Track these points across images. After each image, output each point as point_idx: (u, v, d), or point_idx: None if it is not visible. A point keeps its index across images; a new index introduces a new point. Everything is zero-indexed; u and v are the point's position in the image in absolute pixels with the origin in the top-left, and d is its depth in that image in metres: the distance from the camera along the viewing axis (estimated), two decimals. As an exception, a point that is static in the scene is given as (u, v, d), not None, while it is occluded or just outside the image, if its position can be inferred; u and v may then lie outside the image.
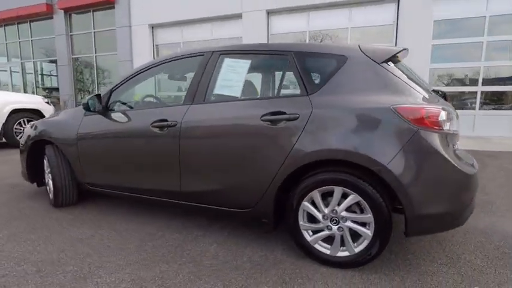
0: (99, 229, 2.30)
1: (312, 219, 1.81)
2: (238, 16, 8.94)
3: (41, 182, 3.02)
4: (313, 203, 1.77)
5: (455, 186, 1.60)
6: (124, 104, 2.52)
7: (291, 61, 1.90)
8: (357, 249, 1.70)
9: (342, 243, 1.74)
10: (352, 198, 1.66)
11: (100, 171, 2.47)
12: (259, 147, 1.83)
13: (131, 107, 2.49)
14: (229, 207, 2.01)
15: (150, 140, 2.17)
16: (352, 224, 1.70)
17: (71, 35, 11.58)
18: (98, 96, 2.41)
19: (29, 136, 2.83)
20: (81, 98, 11.84)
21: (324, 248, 1.79)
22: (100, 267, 1.78)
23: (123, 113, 2.37)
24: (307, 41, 8.48)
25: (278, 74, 2.13)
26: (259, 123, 1.82)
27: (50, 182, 2.69)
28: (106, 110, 2.42)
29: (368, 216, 1.65)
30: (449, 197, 1.59)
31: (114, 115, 2.39)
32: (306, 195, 1.76)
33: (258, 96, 2.43)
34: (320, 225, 1.77)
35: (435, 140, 1.57)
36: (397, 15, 7.62)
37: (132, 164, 2.29)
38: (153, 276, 1.69)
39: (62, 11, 11.27)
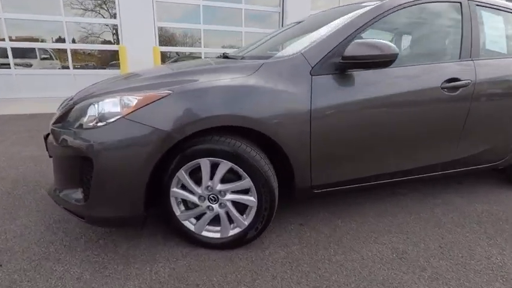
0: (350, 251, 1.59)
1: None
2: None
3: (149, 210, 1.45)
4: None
5: None
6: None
7: None
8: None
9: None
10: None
11: (347, 163, 1.63)
12: None
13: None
14: (486, 164, 2.04)
15: (438, 105, 1.71)
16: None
17: None
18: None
19: (160, 126, 1.29)
20: None
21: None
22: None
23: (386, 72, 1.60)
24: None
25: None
26: None
27: (230, 198, 1.44)
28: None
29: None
30: None
31: (366, 75, 1.57)
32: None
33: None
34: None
35: None
36: (283, 4, 8.46)
37: (406, 141, 1.70)
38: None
39: None
